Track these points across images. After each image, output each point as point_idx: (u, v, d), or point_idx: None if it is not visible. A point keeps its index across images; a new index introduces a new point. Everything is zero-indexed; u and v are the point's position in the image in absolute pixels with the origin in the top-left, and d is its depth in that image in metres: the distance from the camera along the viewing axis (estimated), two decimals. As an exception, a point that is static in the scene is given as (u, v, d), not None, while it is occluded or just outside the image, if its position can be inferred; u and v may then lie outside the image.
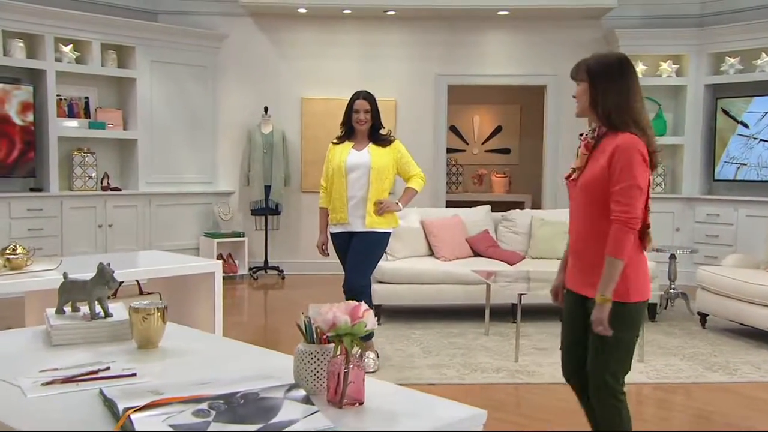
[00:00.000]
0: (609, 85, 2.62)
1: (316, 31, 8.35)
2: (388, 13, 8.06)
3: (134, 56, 7.74)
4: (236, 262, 8.15)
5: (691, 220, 8.01)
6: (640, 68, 8.09)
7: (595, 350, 2.67)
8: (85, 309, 2.12)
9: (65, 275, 2.12)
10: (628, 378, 2.81)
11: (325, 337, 1.59)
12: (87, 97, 7.70)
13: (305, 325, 1.64)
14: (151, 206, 7.86)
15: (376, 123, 4.54)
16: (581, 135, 2.75)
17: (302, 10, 8.01)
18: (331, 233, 4.62)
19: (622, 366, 2.72)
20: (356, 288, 4.36)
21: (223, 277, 7.81)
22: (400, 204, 4.60)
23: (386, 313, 6.10)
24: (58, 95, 7.35)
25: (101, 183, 7.62)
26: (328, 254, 4.68)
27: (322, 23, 8.31)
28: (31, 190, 7.17)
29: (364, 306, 1.57)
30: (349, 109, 4.52)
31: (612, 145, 2.57)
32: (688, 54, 8.02)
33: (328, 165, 4.61)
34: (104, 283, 2.05)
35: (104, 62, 7.57)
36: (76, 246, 7.26)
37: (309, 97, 8.35)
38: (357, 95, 4.54)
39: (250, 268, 8.20)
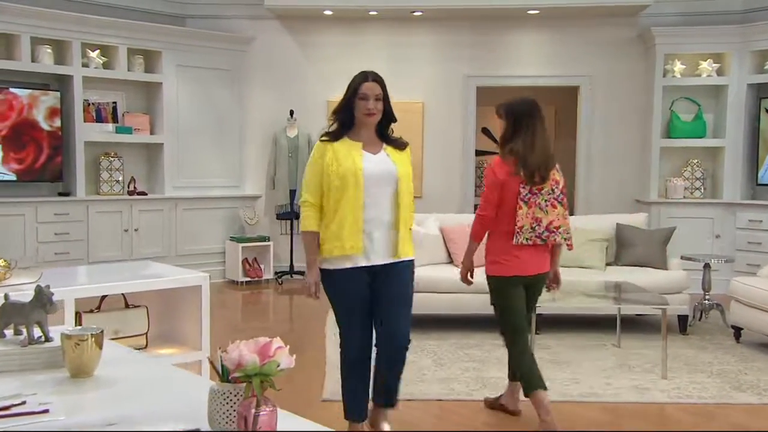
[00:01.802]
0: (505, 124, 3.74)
1: (342, 32, 8.25)
2: (415, 13, 7.92)
3: (161, 61, 7.76)
4: (261, 266, 8.10)
5: (732, 226, 7.65)
6: (678, 67, 7.78)
7: None
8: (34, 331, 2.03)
9: (6, 296, 2.04)
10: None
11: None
12: (115, 102, 7.75)
13: (220, 362, 1.52)
14: (177, 210, 7.87)
15: (389, 114, 3.32)
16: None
17: (328, 12, 7.92)
18: (332, 270, 3.30)
19: (499, 320, 3.90)
20: (405, 346, 3.36)
21: (248, 282, 7.92)
22: None
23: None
24: (86, 100, 7.42)
25: (128, 187, 7.66)
26: (319, 297, 3.42)
27: (348, 25, 8.20)
28: (59, 194, 7.24)
29: (276, 343, 1.44)
30: (352, 95, 3.25)
31: None
32: (730, 52, 7.66)
33: (322, 172, 3.25)
34: (42, 306, 1.96)
35: (131, 67, 7.61)
36: (102, 250, 7.31)
37: (335, 99, 8.17)
38: (364, 76, 3.27)
39: (275, 273, 8.14)
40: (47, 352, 1.95)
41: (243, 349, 1.41)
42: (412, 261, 3.39)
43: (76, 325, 3.07)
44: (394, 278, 3.32)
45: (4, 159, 6.89)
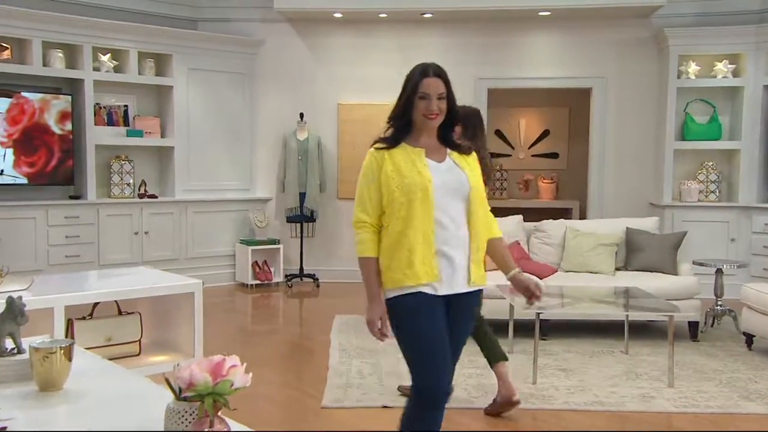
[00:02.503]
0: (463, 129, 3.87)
1: (353, 35, 8.23)
2: (425, 15, 7.87)
3: (171, 64, 7.78)
4: (272, 269, 8.09)
5: (748, 230, 7.52)
6: (692, 68, 7.66)
7: None
8: (6, 343, 2.03)
9: (-21, 309, 2.03)
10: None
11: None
12: (126, 105, 7.78)
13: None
14: (187, 213, 7.89)
15: (453, 114, 2.78)
16: None
17: (338, 15, 7.90)
18: (403, 296, 2.68)
19: None
20: (448, 392, 2.75)
21: (258, 285, 7.92)
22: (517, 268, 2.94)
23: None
24: (97, 104, 7.46)
25: (138, 190, 7.69)
26: (387, 336, 2.75)
27: (358, 27, 8.18)
28: (71, 197, 7.29)
29: (231, 361, 1.41)
30: (411, 93, 2.72)
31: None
32: (746, 53, 7.52)
33: (380, 186, 2.73)
34: (13, 317, 1.95)
35: (142, 70, 7.64)
36: (112, 253, 7.35)
37: (345, 102, 8.23)
38: (424, 70, 2.74)
39: (285, 276, 8.13)
40: (19, 364, 1.93)
41: (194, 368, 1.38)
42: (482, 291, 2.85)
43: (66, 333, 3.08)
44: (465, 313, 2.77)
45: (15, 162, 6.94)
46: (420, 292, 2.65)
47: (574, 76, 8.12)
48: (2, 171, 6.88)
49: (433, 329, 2.65)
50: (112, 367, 2.07)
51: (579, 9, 7.57)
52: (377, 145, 2.79)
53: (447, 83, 2.74)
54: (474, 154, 2.89)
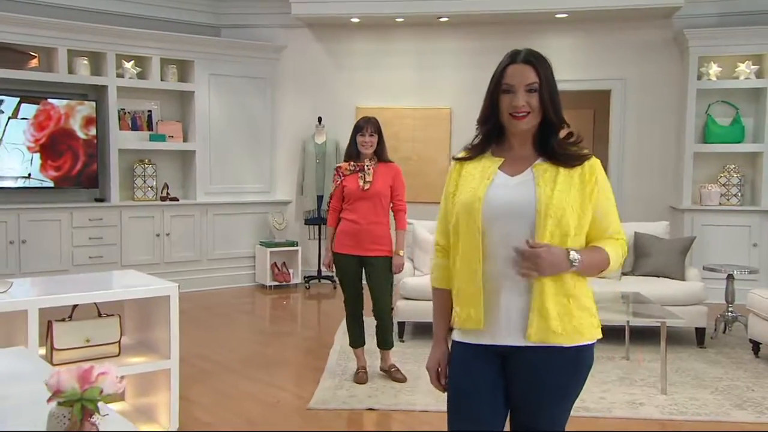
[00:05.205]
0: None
1: (371, 39, 8.31)
2: (442, 19, 7.90)
3: (193, 70, 7.98)
4: (290, 271, 8.24)
5: (771, 234, 7.35)
6: (713, 70, 7.50)
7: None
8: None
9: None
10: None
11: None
12: (150, 111, 8.02)
13: (58, 384, 1.59)
14: (209, 215, 8.09)
15: (553, 113, 2.11)
16: (339, 167, 4.91)
17: (355, 20, 7.99)
18: (458, 343, 2.19)
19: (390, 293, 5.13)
20: None
21: (277, 286, 8.07)
22: None
23: (410, 331, 5.98)
24: (122, 109, 7.71)
25: (161, 193, 7.91)
26: (446, 388, 2.23)
27: (375, 32, 8.26)
28: (95, 200, 7.56)
29: (99, 369, 1.51)
30: (494, 87, 2.16)
31: (392, 170, 4.86)
32: (770, 53, 7.36)
33: (450, 204, 2.22)
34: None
35: (164, 76, 7.86)
36: (134, 255, 7.59)
37: (363, 105, 8.31)
38: (512, 55, 2.16)
39: (303, 277, 8.27)
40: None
41: (63, 375, 1.48)
42: (571, 349, 2.14)
43: (46, 335, 3.23)
44: (532, 372, 2.12)
45: (42, 166, 7.23)
46: (468, 344, 2.14)
47: (592, 78, 8.04)
48: (29, 175, 7.18)
49: (469, 386, 2.15)
50: (45, 369, 2.19)
51: (596, 11, 7.49)
52: (458, 155, 2.27)
53: (540, 72, 2.10)
54: (591, 165, 2.13)
